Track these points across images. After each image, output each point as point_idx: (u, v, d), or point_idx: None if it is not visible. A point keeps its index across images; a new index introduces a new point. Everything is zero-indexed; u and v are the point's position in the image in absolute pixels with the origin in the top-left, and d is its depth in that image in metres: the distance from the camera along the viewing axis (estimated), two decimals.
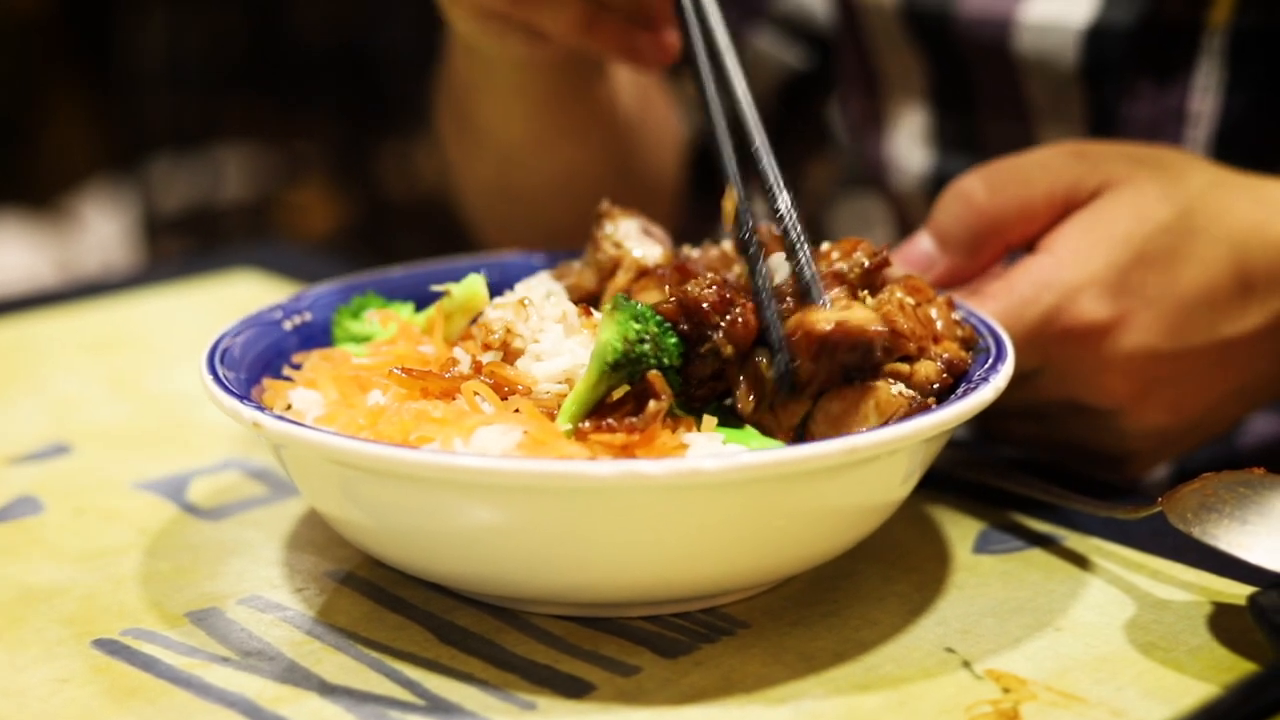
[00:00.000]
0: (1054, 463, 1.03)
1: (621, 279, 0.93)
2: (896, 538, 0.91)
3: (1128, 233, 0.93)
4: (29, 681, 0.78)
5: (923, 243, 0.96)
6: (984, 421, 1.01)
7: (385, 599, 0.86)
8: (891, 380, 0.82)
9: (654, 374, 0.78)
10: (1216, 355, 0.96)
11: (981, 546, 0.91)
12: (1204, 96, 1.15)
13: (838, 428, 0.81)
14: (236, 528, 0.95)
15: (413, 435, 0.79)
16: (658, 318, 0.80)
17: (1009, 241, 0.95)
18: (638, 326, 0.79)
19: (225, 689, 0.77)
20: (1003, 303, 0.92)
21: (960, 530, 0.92)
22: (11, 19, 3.57)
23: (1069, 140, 1.18)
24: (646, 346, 0.79)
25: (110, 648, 0.81)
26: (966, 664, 0.78)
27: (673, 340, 0.80)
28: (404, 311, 0.97)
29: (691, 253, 0.96)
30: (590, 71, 1.23)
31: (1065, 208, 0.95)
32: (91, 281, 1.76)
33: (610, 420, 0.78)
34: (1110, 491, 0.95)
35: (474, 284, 0.92)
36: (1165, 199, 0.95)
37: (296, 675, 0.78)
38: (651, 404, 0.78)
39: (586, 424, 0.78)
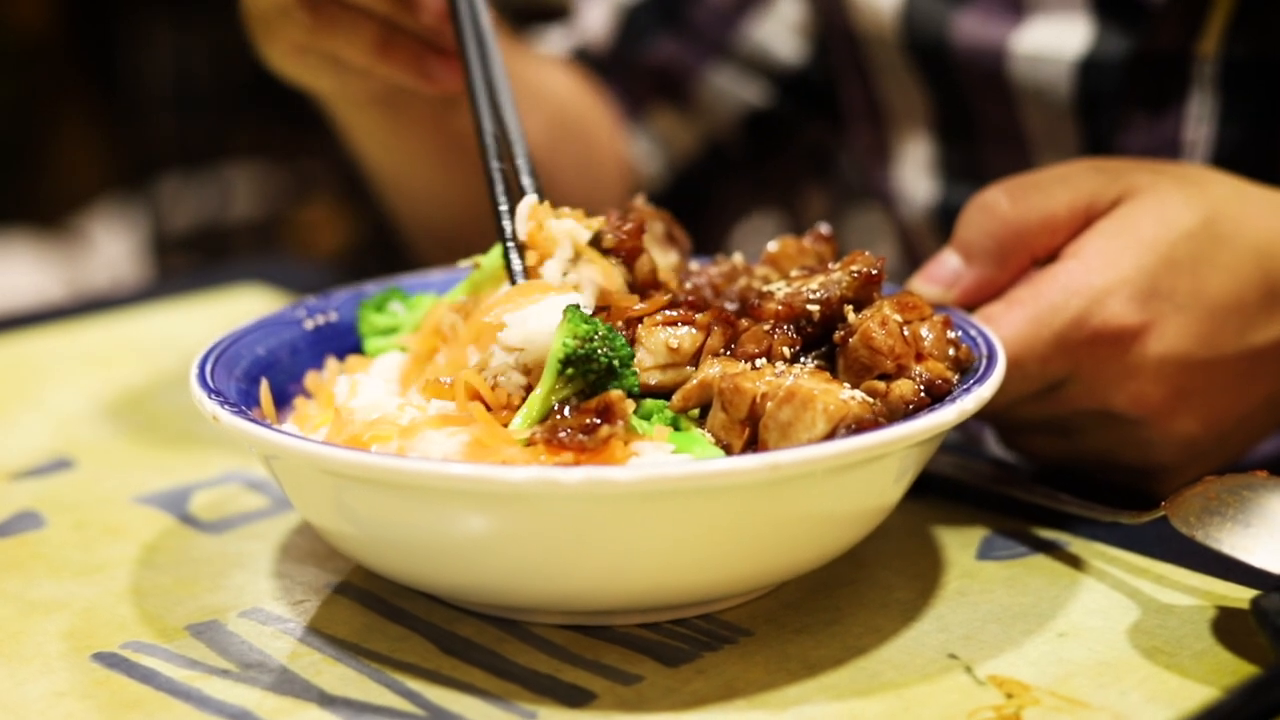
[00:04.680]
0: (1058, 469, 1.03)
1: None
2: (899, 545, 0.91)
3: (1155, 237, 0.93)
4: (28, 695, 0.78)
5: (948, 260, 0.95)
6: (1005, 436, 1.01)
7: (386, 610, 0.85)
8: (844, 385, 0.81)
9: (617, 394, 0.79)
10: (1246, 365, 0.95)
11: (985, 552, 0.90)
12: (1198, 126, 1.15)
13: (785, 433, 0.80)
14: (237, 540, 0.95)
15: (366, 435, 0.81)
16: (606, 325, 0.81)
17: (1034, 253, 0.94)
18: (587, 327, 0.80)
19: (225, 701, 0.77)
20: (1031, 309, 0.91)
21: (963, 537, 0.92)
22: (19, 41, 3.59)
23: None
24: (596, 344, 0.80)
25: (110, 661, 0.81)
26: (969, 670, 0.78)
27: (621, 341, 0.81)
28: (426, 303, 0.97)
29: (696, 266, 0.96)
30: (441, 106, 1.24)
31: (1087, 218, 0.95)
32: (96, 297, 1.76)
33: (562, 436, 0.78)
34: (1113, 496, 0.94)
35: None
36: (1189, 206, 0.94)
37: (296, 687, 0.78)
38: (604, 428, 0.78)
39: (539, 434, 0.78)
